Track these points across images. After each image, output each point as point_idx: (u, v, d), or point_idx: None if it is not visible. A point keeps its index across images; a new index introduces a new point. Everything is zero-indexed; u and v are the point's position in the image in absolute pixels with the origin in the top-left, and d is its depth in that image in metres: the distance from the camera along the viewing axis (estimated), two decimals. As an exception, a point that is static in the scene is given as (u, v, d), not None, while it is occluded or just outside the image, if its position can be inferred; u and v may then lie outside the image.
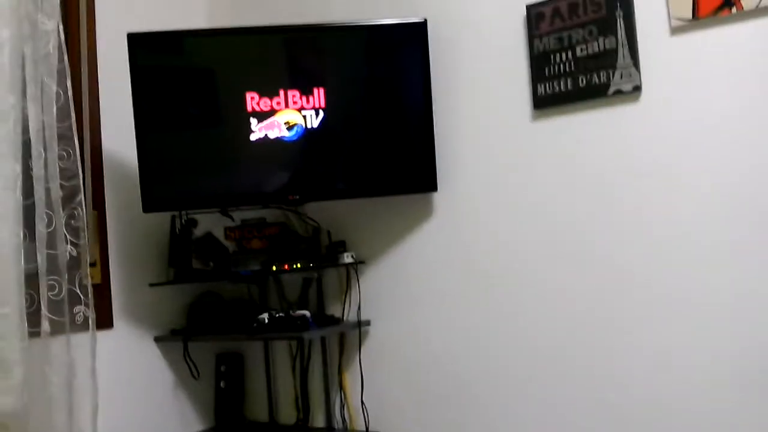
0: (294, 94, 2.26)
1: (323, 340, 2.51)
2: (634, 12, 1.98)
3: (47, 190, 1.97)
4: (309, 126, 2.27)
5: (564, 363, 2.12)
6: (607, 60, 2.01)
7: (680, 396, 1.93)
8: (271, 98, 2.25)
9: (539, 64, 2.13)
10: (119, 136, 2.37)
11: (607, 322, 2.05)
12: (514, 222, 2.21)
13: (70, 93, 2.03)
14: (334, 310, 2.52)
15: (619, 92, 2.00)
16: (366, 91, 2.34)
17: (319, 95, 2.26)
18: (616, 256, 2.03)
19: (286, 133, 2.26)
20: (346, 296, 2.51)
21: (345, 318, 2.50)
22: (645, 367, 1.99)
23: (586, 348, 2.08)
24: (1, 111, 1.85)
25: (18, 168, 1.88)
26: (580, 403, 2.09)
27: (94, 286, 2.09)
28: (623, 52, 1.99)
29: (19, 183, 1.88)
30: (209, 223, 2.53)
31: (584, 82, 2.05)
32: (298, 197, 2.31)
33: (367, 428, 2.43)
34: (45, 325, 1.94)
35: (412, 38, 2.27)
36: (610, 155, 2.04)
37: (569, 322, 2.11)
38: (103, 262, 2.38)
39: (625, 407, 2.01)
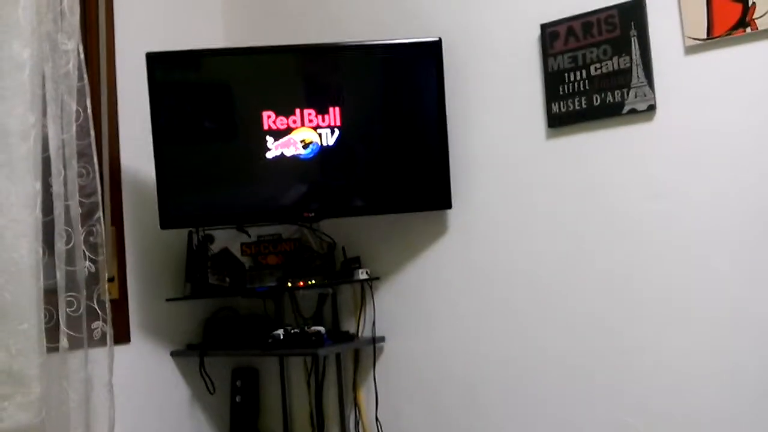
0: (310, 113, 2.28)
1: (338, 356, 2.52)
2: (648, 31, 1.98)
3: (66, 208, 2.00)
4: (325, 144, 2.29)
5: (583, 382, 2.11)
6: (621, 79, 2.01)
7: (703, 405, 1.92)
8: (287, 117, 2.27)
9: (553, 83, 2.13)
10: (137, 153, 2.41)
11: (627, 340, 2.03)
12: (528, 239, 2.21)
13: (89, 111, 2.06)
14: (348, 326, 2.53)
15: (633, 111, 2.00)
16: (381, 110, 2.36)
17: (334, 114, 2.28)
18: (634, 275, 2.02)
19: (302, 151, 2.28)
20: (360, 312, 2.51)
21: (359, 334, 2.51)
22: (668, 386, 1.97)
23: (605, 367, 2.07)
24: (21, 130, 1.88)
25: (38, 185, 1.91)
26: (600, 424, 2.07)
27: (111, 301, 2.12)
28: (637, 72, 1.99)
29: (39, 200, 1.91)
30: (226, 239, 2.55)
31: (599, 100, 2.05)
32: (313, 214, 2.32)
33: (381, 445, 2.43)
34: (63, 341, 1.97)
35: (427, 57, 2.28)
36: (625, 174, 2.04)
37: (586, 338, 2.10)
38: (120, 278, 2.41)
39: (643, 429, 2.00)
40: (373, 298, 2.48)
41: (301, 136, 2.28)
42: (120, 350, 2.21)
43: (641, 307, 2.01)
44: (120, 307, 2.37)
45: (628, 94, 2.01)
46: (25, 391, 1.84)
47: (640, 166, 2.01)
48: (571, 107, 2.10)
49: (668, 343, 1.97)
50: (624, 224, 2.04)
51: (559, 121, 2.13)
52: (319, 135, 2.28)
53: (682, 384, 1.94)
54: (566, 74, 2.11)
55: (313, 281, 2.36)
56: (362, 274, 2.41)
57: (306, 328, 2.34)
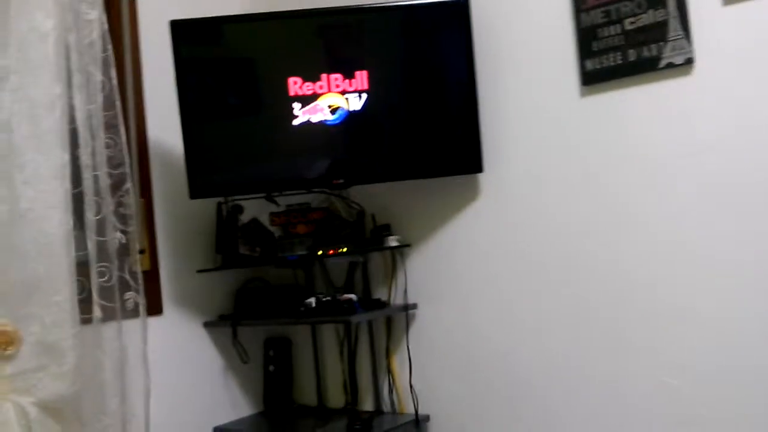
0: (336, 78, 2.24)
1: (370, 323, 2.51)
2: (685, -18, 1.91)
3: (95, 178, 1.98)
4: (352, 109, 2.25)
5: (620, 343, 2.07)
6: (657, 33, 1.94)
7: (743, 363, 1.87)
8: (313, 82, 2.24)
9: (586, 39, 2.07)
10: (164, 123, 2.39)
11: (665, 304, 1.99)
12: (563, 201, 2.16)
13: (114, 81, 2.04)
14: (380, 293, 2.51)
15: (671, 65, 1.93)
16: (409, 72, 2.30)
17: (361, 78, 2.24)
18: (675, 234, 1.97)
19: (329, 117, 2.25)
20: (392, 280, 2.49)
21: (391, 302, 2.49)
22: (706, 346, 1.93)
23: (643, 327, 2.02)
24: (47, 101, 1.87)
25: (66, 157, 1.89)
26: (638, 385, 2.04)
27: (143, 273, 2.11)
28: (674, 24, 1.92)
29: (68, 172, 1.90)
30: (255, 209, 2.54)
31: (634, 56, 1.99)
32: (342, 181, 2.29)
33: (416, 411, 2.42)
34: (96, 312, 1.97)
35: (455, 17, 2.22)
36: (662, 130, 1.98)
37: (623, 299, 2.06)
38: (151, 250, 2.41)
39: (683, 391, 1.96)
40: (404, 265, 2.46)
41: (328, 101, 2.25)
42: (153, 321, 2.22)
43: (682, 268, 1.96)
44: (152, 278, 2.38)
45: (665, 48, 1.94)
46: (59, 362, 1.84)
47: (679, 122, 1.95)
48: (606, 64, 2.03)
49: (708, 304, 1.92)
50: (663, 182, 1.98)
51: (593, 78, 2.06)
52: (347, 100, 2.25)
53: (721, 344, 1.90)
54: (599, 29, 2.04)
55: (344, 249, 2.34)
56: (393, 242, 2.39)
57: (337, 296, 2.33)
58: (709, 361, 1.92)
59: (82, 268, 1.95)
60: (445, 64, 2.26)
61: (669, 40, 1.93)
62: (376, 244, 2.42)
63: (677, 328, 1.97)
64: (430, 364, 2.43)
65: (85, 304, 1.94)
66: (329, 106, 2.25)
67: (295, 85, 2.24)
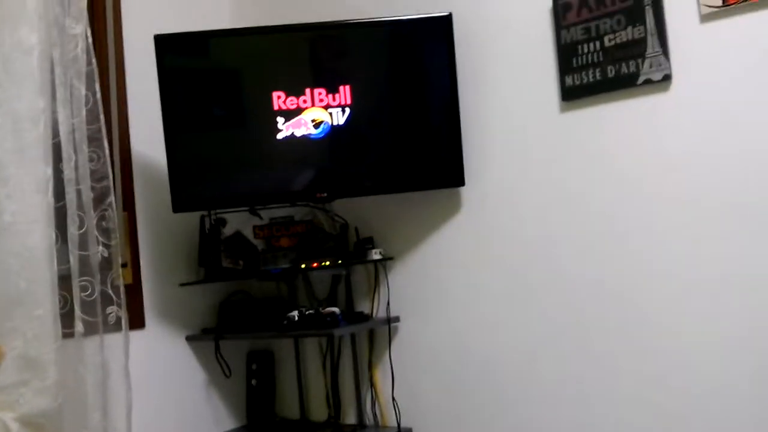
0: (320, 92, 2.26)
1: (353, 336, 2.51)
2: (662, 0, 1.95)
3: (78, 192, 1.99)
4: (336, 123, 2.26)
5: (597, 359, 2.09)
6: (636, 49, 1.98)
7: (718, 396, 1.90)
8: (297, 96, 2.25)
9: (567, 55, 2.10)
10: (148, 137, 2.40)
11: (642, 316, 2.02)
12: (544, 215, 2.19)
13: (98, 95, 2.05)
14: (363, 306, 2.52)
15: (649, 81, 1.97)
16: (392, 87, 2.32)
17: (345, 92, 2.26)
18: (649, 250, 2.00)
19: (312, 131, 2.26)
20: (374, 293, 2.50)
21: (374, 314, 2.50)
22: (688, 362, 1.96)
23: (619, 343, 2.05)
24: (31, 115, 1.87)
25: (49, 171, 1.90)
26: (617, 400, 2.06)
27: (125, 286, 2.11)
28: (652, 41, 1.95)
29: (51, 186, 1.90)
30: (238, 222, 2.54)
31: (613, 72, 2.02)
32: (326, 194, 2.30)
33: (398, 424, 2.42)
34: (78, 326, 1.97)
35: (438, 32, 2.25)
36: (641, 145, 2.01)
37: (601, 316, 2.08)
38: (134, 263, 2.40)
39: (664, 404, 1.98)
40: (387, 278, 2.47)
41: (311, 115, 2.26)
42: (135, 335, 2.22)
43: (660, 280, 1.99)
44: (134, 292, 2.37)
45: (643, 65, 1.97)
46: (41, 377, 1.83)
47: (656, 137, 1.98)
48: (585, 79, 2.07)
49: (690, 318, 1.94)
50: (641, 196, 2.01)
51: (573, 93, 2.10)
52: (330, 114, 2.26)
53: (702, 360, 1.92)
54: (579, 46, 2.08)
55: (327, 262, 2.34)
56: (376, 255, 2.40)
57: (320, 309, 2.34)
58: (686, 376, 1.95)
59: (64, 282, 1.95)
60: (427, 79, 2.29)
61: (647, 57, 1.97)
62: (359, 257, 2.43)
63: (659, 341, 1.99)
64: (413, 377, 2.44)
65: (67, 318, 1.95)
66: (313, 120, 2.26)
67: (279, 99, 2.25)
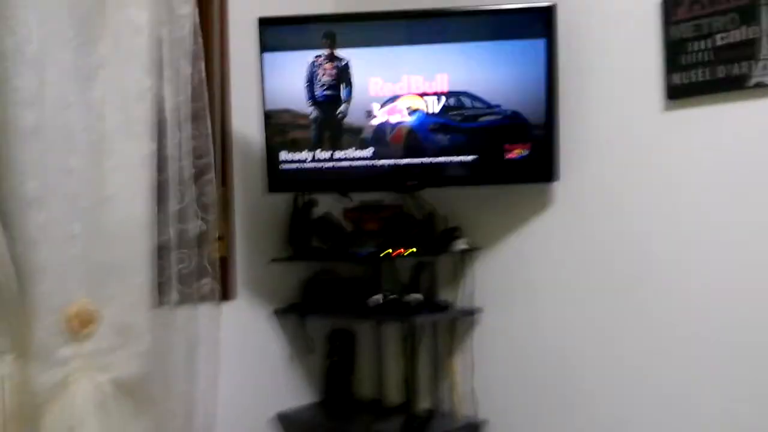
0: (417, 80, 2.26)
1: (434, 325, 2.53)
2: (781, -1, 1.85)
3: (180, 168, 2.07)
4: (431, 111, 2.26)
5: (687, 362, 2.03)
6: (748, 50, 1.89)
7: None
8: (394, 83, 2.26)
9: (674, 52, 2.02)
10: (247, 117, 2.45)
11: (739, 315, 1.94)
12: (640, 216, 2.12)
13: (203, 74, 2.12)
14: (446, 295, 2.52)
15: (760, 84, 1.87)
16: (489, 77, 2.29)
17: (441, 81, 2.25)
18: (750, 253, 1.92)
19: (407, 119, 2.27)
20: (458, 282, 2.50)
21: (456, 304, 2.50)
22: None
23: (707, 347, 1.99)
24: (138, 92, 1.95)
25: (153, 146, 1.98)
26: (702, 400, 2.00)
27: (219, 259, 2.19)
28: (766, 43, 1.86)
29: (154, 161, 1.98)
30: (329, 203, 2.59)
31: (723, 72, 1.93)
32: (416, 183, 2.31)
33: (476, 415, 2.43)
34: (173, 296, 2.05)
35: (539, 23, 2.20)
36: (747, 150, 1.93)
37: (694, 318, 2.02)
38: (228, 237, 2.48)
39: (751, 420, 1.91)
40: (472, 268, 2.46)
41: (407, 103, 2.27)
42: (225, 307, 2.29)
43: (763, 290, 1.90)
44: (227, 265, 2.45)
45: (755, 67, 1.88)
46: (135, 343, 1.93)
47: (765, 143, 1.89)
48: (693, 78, 1.99)
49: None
50: (743, 201, 1.93)
51: (679, 92, 2.02)
52: (426, 102, 2.26)
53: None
54: (689, 43, 1.99)
55: (413, 250, 2.35)
56: (462, 245, 2.40)
57: (404, 295, 2.35)
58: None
59: (162, 253, 2.03)
60: (526, 71, 2.24)
61: (761, 59, 1.87)
62: (444, 246, 2.43)
63: (755, 341, 1.92)
64: (492, 369, 2.44)
65: (163, 288, 2.03)
66: (408, 108, 2.27)
67: (376, 85, 2.26)
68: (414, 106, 2.27)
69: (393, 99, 2.27)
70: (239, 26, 2.46)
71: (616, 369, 2.17)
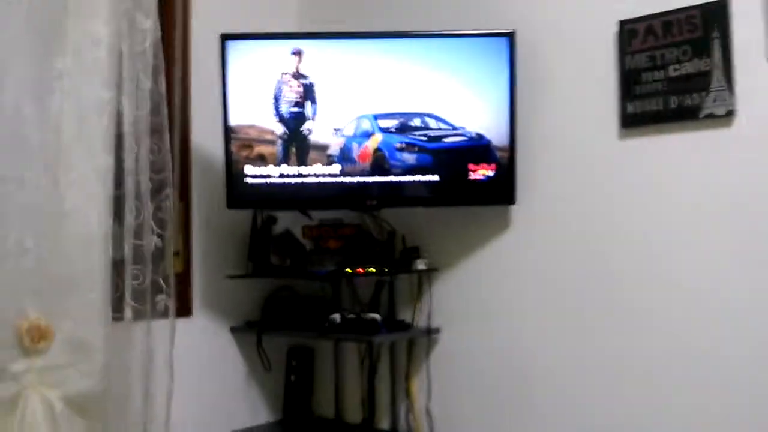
0: (382, 99, 2.28)
1: (392, 344, 2.53)
2: (731, 34, 1.90)
3: (137, 183, 2.04)
4: (397, 130, 2.29)
5: (641, 383, 2.07)
6: (700, 82, 1.94)
7: None
8: (360, 101, 2.29)
9: (629, 82, 2.07)
10: (207, 132, 2.45)
11: (691, 341, 1.98)
12: (594, 240, 2.17)
13: (163, 89, 2.10)
14: (404, 314, 2.53)
15: (711, 116, 1.93)
16: (449, 100, 2.32)
17: (407, 101, 2.28)
18: (703, 282, 1.97)
19: (375, 137, 2.29)
20: (417, 302, 2.51)
21: (415, 324, 2.51)
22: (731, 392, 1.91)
23: (665, 369, 2.02)
24: (97, 106, 1.93)
25: (110, 160, 1.96)
26: (658, 425, 2.03)
27: (175, 274, 2.17)
28: (718, 75, 1.91)
29: (111, 175, 1.96)
30: (288, 221, 2.58)
31: (676, 103, 1.99)
32: (375, 202, 2.33)
33: (431, 435, 2.44)
34: (127, 312, 2.02)
35: (500, 49, 2.24)
36: (699, 179, 1.98)
37: (646, 339, 2.06)
38: (185, 252, 2.46)
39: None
40: (431, 288, 2.48)
41: (373, 122, 2.28)
42: (181, 323, 2.26)
43: (714, 315, 1.95)
44: (183, 280, 2.43)
45: (707, 98, 1.93)
46: (89, 359, 1.90)
47: (716, 173, 1.94)
48: (647, 108, 2.04)
49: (729, 351, 1.91)
50: (694, 230, 1.98)
51: (633, 121, 2.07)
52: (391, 121, 2.28)
53: (749, 387, 1.89)
54: (643, 74, 2.04)
55: (372, 269, 2.36)
56: (421, 265, 2.41)
57: (362, 314, 2.36)
58: (728, 406, 1.91)
59: (117, 268, 2.00)
60: (489, 95, 2.27)
61: (711, 91, 1.92)
62: (404, 266, 2.44)
63: (708, 371, 1.96)
64: (450, 389, 2.45)
65: (117, 303, 2.00)
66: (374, 126, 2.29)
67: (343, 103, 2.29)
68: (381, 125, 2.29)
69: (360, 117, 2.28)
70: (201, 41, 2.46)
71: (575, 389, 2.20)
